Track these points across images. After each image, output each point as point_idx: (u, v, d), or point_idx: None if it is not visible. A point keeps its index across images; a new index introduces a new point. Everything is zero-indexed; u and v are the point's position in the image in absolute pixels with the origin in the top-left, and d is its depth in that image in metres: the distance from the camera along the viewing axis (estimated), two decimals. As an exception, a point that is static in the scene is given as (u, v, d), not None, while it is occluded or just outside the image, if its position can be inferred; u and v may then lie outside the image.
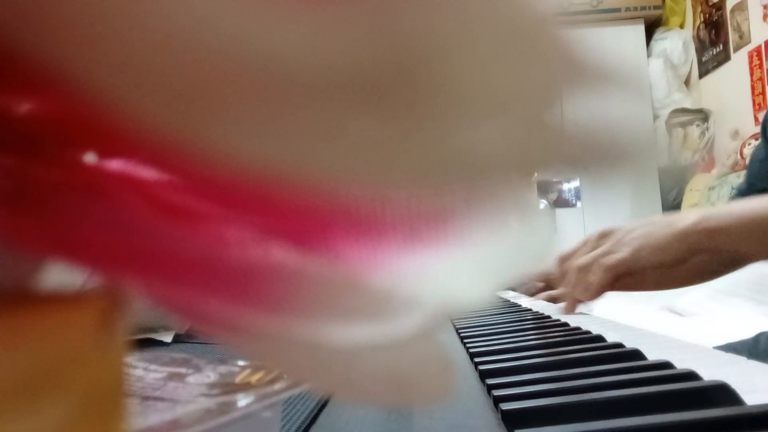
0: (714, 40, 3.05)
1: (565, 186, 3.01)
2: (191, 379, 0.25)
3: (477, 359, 0.41)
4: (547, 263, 0.88)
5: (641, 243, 0.69)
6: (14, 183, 0.09)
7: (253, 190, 0.10)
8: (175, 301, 0.11)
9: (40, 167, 0.09)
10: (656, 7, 3.23)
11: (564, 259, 0.78)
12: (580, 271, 0.73)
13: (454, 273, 0.11)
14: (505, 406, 0.29)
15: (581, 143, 0.10)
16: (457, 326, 0.61)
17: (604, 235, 0.74)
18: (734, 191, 0.98)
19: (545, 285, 0.93)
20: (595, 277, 0.70)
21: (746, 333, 0.92)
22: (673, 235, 0.68)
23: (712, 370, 0.33)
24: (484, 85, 0.09)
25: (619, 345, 0.43)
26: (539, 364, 0.39)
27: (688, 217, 0.70)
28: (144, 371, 0.25)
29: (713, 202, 2.70)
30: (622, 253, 0.69)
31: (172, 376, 0.25)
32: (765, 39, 2.68)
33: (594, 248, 0.74)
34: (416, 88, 0.09)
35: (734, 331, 0.99)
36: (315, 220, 0.10)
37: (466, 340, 0.51)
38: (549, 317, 0.66)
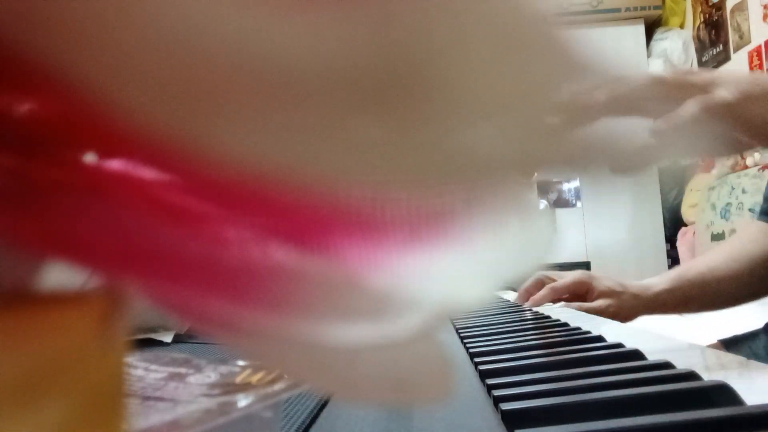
0: (714, 40, 3.05)
1: (565, 186, 3.01)
2: (192, 379, 0.25)
3: (477, 359, 0.41)
4: (572, 277, 0.84)
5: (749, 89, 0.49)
6: (14, 183, 0.09)
7: (253, 190, 0.10)
8: (175, 301, 0.11)
9: (40, 167, 0.09)
10: (656, 7, 3.23)
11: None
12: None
13: (454, 273, 0.11)
14: (505, 406, 0.29)
15: (581, 143, 0.10)
16: (457, 326, 0.61)
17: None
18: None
19: (570, 296, 0.89)
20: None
21: (748, 328, 0.92)
22: None
23: (713, 369, 0.33)
24: (484, 85, 0.09)
25: (619, 345, 0.43)
26: (539, 364, 0.39)
27: None
28: (144, 371, 0.25)
29: (713, 202, 2.70)
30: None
31: (172, 376, 0.25)
32: (765, 39, 2.67)
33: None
34: (416, 88, 0.09)
35: (736, 326, 0.98)
36: (315, 220, 0.10)
37: (466, 340, 0.51)
38: (549, 317, 0.66)
